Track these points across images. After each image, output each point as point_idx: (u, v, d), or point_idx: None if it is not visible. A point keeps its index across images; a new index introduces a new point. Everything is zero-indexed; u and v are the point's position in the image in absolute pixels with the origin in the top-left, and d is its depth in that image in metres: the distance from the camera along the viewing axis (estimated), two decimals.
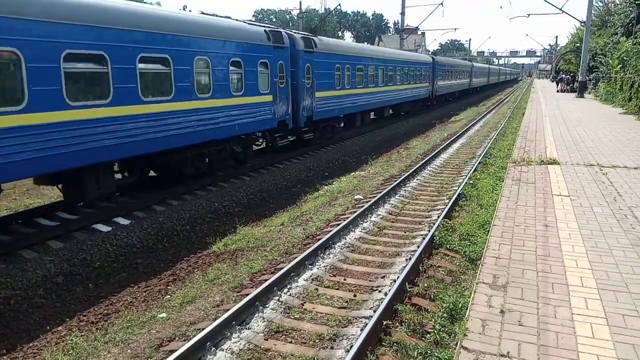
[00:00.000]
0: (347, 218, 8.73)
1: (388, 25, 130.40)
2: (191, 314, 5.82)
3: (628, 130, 16.44)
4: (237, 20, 13.08)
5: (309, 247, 7.40)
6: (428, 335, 4.87)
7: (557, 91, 43.49)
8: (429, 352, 4.49)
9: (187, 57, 10.23)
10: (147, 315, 6.02)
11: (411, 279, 6.18)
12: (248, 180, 12.94)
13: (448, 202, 9.57)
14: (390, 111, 27.51)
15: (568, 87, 42.43)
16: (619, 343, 3.82)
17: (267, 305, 5.74)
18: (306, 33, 17.49)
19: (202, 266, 7.81)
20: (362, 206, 9.53)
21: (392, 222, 9.03)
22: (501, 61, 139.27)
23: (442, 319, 5.02)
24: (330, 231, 8.03)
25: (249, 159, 14.00)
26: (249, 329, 5.27)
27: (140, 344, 5.20)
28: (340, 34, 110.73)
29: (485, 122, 26.72)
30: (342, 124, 21.24)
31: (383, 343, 4.81)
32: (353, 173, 14.46)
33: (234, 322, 5.23)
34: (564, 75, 47.20)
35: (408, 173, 12.61)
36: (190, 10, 12.72)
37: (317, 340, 5.01)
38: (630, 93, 24.42)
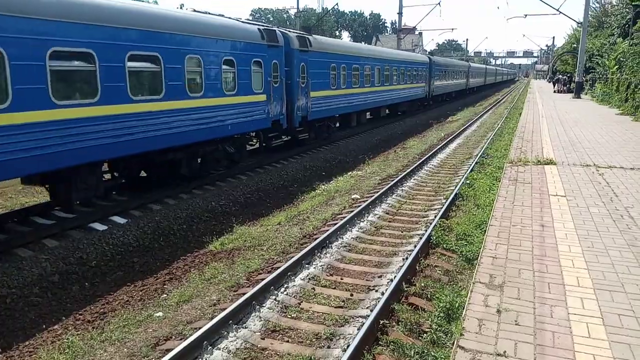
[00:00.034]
0: (344, 217, 8.73)
1: (385, 25, 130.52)
2: (188, 313, 5.81)
3: (624, 131, 16.50)
4: (230, 18, 12.90)
5: (305, 247, 7.40)
6: (425, 334, 4.88)
7: (554, 92, 43.61)
8: (425, 351, 4.49)
9: (178, 56, 10.05)
10: (143, 314, 6.01)
11: (408, 278, 6.18)
12: (245, 179, 12.93)
13: (445, 202, 9.58)
14: (387, 111, 27.42)
15: (565, 88, 42.57)
16: (615, 343, 3.84)
17: (263, 305, 5.73)
18: (301, 32, 17.31)
19: (199, 265, 7.80)
20: (359, 206, 9.53)
21: (389, 221, 9.03)
22: (498, 61, 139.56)
23: (439, 318, 5.02)
24: (327, 230, 8.02)
25: (242, 159, 13.84)
26: (245, 328, 5.26)
27: (136, 342, 5.19)
28: (337, 34, 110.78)
29: (482, 122, 26.77)
30: (337, 124, 21.12)
31: (380, 342, 4.82)
32: (350, 172, 14.46)
33: (230, 321, 5.22)
34: (560, 76, 47.34)
35: (405, 173, 12.62)
36: (187, 9, 12.46)
37: (314, 340, 5.01)
38: (627, 94, 24.52)
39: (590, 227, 6.59)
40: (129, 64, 8.85)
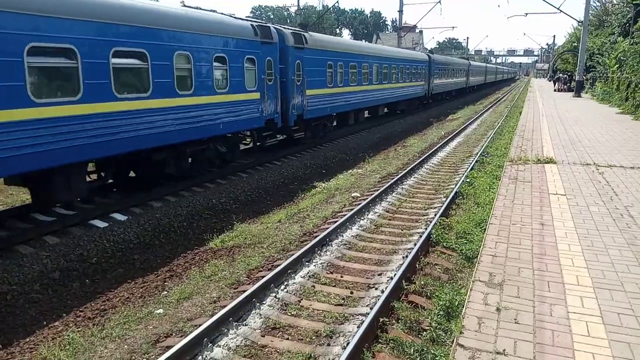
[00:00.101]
0: (344, 215, 8.74)
1: (386, 23, 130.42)
2: (188, 310, 5.83)
3: (624, 129, 16.51)
4: (222, 14, 12.59)
5: (306, 244, 7.40)
6: (424, 332, 4.89)
7: (554, 90, 43.60)
8: (425, 349, 4.50)
9: (167, 52, 9.73)
10: (144, 311, 6.02)
11: (408, 276, 6.19)
12: (245, 177, 12.93)
13: (445, 200, 9.59)
14: (385, 110, 27.19)
15: (565, 87, 42.57)
16: (614, 342, 3.85)
17: (264, 302, 5.75)
18: (296, 28, 16.91)
19: (199, 262, 7.81)
20: (359, 204, 9.54)
21: (389, 219, 9.04)
22: (499, 60, 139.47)
23: (439, 316, 5.04)
24: (327, 228, 8.03)
25: (235, 159, 13.54)
26: (245, 325, 5.28)
27: (137, 339, 5.20)
28: (338, 32, 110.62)
29: (482, 121, 26.76)
30: (334, 123, 20.81)
31: (379, 340, 4.83)
32: (350, 170, 14.47)
33: (230, 319, 5.23)
34: (561, 75, 47.33)
35: (405, 171, 12.62)
36: (181, 3, 12.19)
37: (313, 337, 5.03)
38: (627, 93, 24.52)
39: (590, 226, 6.61)
40: (114, 60, 8.52)
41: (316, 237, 7.72)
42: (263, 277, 6.23)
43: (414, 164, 13.56)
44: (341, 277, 6.54)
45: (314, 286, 6.24)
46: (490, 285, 4.86)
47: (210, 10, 12.24)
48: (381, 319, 5.06)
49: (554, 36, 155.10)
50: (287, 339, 5.04)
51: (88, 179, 9.63)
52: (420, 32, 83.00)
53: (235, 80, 12.12)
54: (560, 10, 33.98)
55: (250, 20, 13.54)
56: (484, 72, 64.97)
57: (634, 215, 7.08)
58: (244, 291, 5.80)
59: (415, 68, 29.75)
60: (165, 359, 4.40)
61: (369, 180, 12.48)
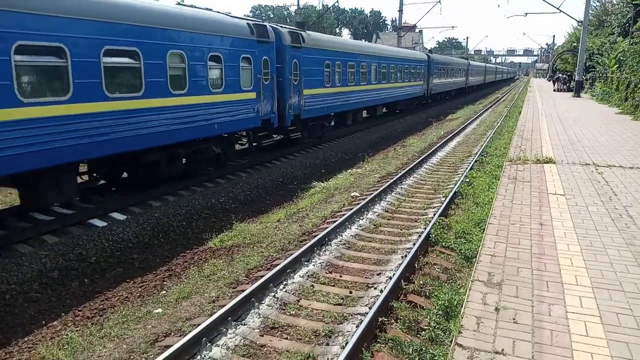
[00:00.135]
0: (344, 215, 8.74)
1: (386, 22, 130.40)
2: (187, 309, 5.82)
3: (624, 130, 16.52)
4: (218, 12, 12.44)
5: (305, 244, 7.40)
6: (423, 332, 4.89)
7: (554, 90, 43.61)
8: (424, 349, 4.50)
9: (160, 51, 9.56)
10: (142, 310, 6.02)
11: (407, 276, 6.19)
12: (244, 176, 12.93)
13: (444, 200, 9.60)
14: (384, 109, 27.10)
15: (565, 87, 42.59)
16: (612, 341, 3.85)
17: (262, 302, 5.74)
18: (293, 27, 16.74)
19: (198, 262, 7.81)
20: (359, 203, 9.54)
21: (388, 219, 9.04)
22: (498, 60, 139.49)
23: (437, 316, 5.04)
24: (327, 228, 8.03)
25: (230, 159, 13.40)
26: (244, 325, 5.28)
27: (135, 339, 5.20)
28: (337, 31, 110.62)
29: (481, 121, 26.77)
30: (332, 123, 20.69)
31: (378, 340, 4.83)
32: (350, 170, 14.47)
33: (229, 318, 5.23)
34: (560, 75, 47.35)
35: (404, 171, 12.62)
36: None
37: (312, 337, 5.03)
38: (627, 93, 24.53)
39: (589, 226, 6.61)
40: (105, 59, 8.36)
41: (315, 236, 7.72)
42: (262, 276, 6.23)
43: (413, 164, 13.57)
44: (340, 276, 6.54)
45: (313, 286, 6.24)
46: (489, 285, 4.86)
47: (205, 9, 12.09)
48: (380, 319, 5.06)
49: (554, 36, 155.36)
50: (286, 338, 5.04)
51: (80, 180, 9.53)
52: (420, 31, 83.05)
53: (231, 79, 11.98)
54: (560, 10, 34.01)
55: (247, 19, 13.41)
56: (484, 72, 64.98)
57: (633, 215, 7.08)
58: (243, 291, 5.80)
59: (414, 68, 29.70)
60: (164, 359, 4.40)
61: (368, 180, 12.48)
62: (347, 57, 19.48)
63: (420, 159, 14.51)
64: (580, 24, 33.89)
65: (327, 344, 4.86)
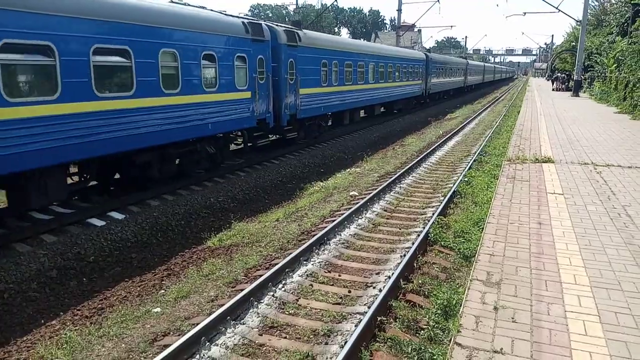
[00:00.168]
0: (342, 214, 8.74)
1: (385, 22, 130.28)
2: (186, 308, 5.82)
3: (622, 129, 16.53)
4: (212, 10, 12.30)
5: (303, 243, 7.40)
6: (422, 331, 4.90)
7: (553, 90, 43.64)
8: (422, 348, 4.51)
9: (151, 50, 9.42)
10: (141, 309, 6.02)
11: (405, 275, 6.19)
12: (243, 176, 12.92)
13: (443, 200, 9.60)
14: (382, 109, 26.91)
15: (563, 86, 42.60)
16: (611, 340, 3.86)
17: (261, 301, 5.74)
18: (289, 26, 16.59)
19: (197, 261, 7.81)
20: (357, 202, 9.54)
21: (387, 218, 9.04)
22: (497, 59, 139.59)
23: (436, 315, 5.05)
24: (325, 227, 8.03)
25: (225, 160, 13.27)
26: (243, 324, 5.28)
27: (134, 338, 5.20)
28: (336, 30, 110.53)
29: (480, 120, 26.79)
30: (329, 122, 20.54)
31: (377, 339, 4.83)
32: (348, 169, 14.47)
33: (228, 317, 5.23)
34: (559, 74, 47.34)
35: (403, 170, 12.63)
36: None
37: (311, 336, 5.03)
38: (625, 92, 24.55)
39: (588, 225, 6.62)
40: (94, 58, 8.21)
41: (314, 235, 7.72)
42: (261, 275, 6.23)
43: (412, 163, 13.57)
44: (339, 276, 6.54)
45: (311, 285, 6.24)
46: (488, 284, 4.86)
47: (199, 7, 11.96)
48: (379, 318, 5.06)
49: (553, 35, 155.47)
50: (285, 337, 5.04)
51: (70, 181, 9.41)
52: (419, 31, 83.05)
53: (225, 78, 11.82)
54: (559, 10, 34.08)
55: (241, 18, 13.27)
56: (482, 72, 64.99)
57: (632, 214, 7.09)
58: (242, 290, 5.80)
59: (412, 67, 29.67)
60: (163, 358, 4.40)
61: (367, 179, 12.48)
62: (344, 56, 19.31)
63: (419, 158, 14.52)
64: (579, 23, 33.91)
65: (326, 343, 4.86)
